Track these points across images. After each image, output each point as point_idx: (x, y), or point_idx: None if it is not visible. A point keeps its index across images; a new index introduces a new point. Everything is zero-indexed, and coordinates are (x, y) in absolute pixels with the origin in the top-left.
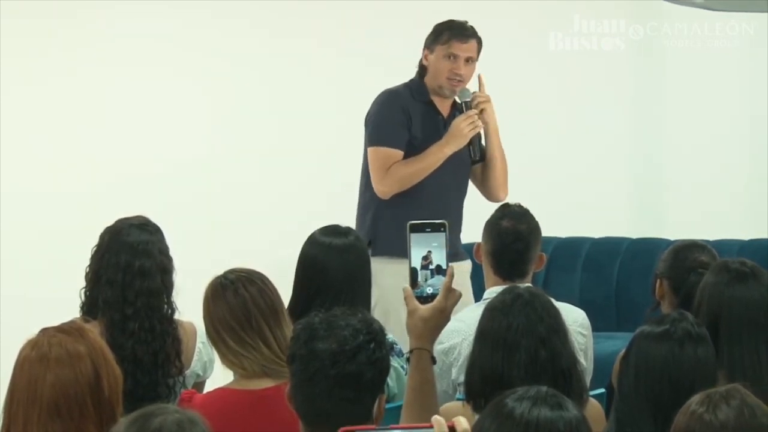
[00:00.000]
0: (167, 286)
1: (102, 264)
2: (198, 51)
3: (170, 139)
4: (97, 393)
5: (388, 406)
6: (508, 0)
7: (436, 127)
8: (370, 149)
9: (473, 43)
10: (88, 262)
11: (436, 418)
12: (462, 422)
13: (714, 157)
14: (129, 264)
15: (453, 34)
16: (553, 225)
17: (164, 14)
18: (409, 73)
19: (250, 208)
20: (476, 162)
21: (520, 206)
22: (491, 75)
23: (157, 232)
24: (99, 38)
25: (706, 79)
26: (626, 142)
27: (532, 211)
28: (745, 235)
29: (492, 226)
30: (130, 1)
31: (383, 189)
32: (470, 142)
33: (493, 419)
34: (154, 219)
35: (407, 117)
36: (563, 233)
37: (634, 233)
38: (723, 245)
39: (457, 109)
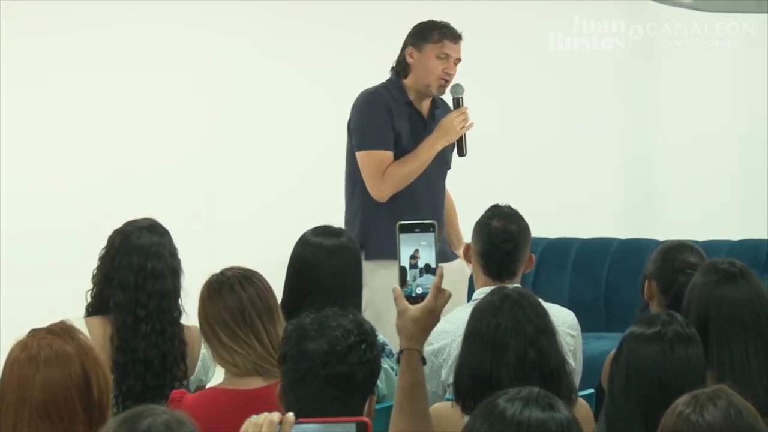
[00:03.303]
0: (177, 288)
1: (113, 266)
2: (197, 51)
3: (169, 139)
4: (86, 395)
5: (378, 406)
6: (508, 0)
7: (417, 127)
8: (360, 154)
9: (460, 44)
10: (88, 262)
11: None
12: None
13: (705, 157)
14: (141, 266)
15: (444, 35)
16: (543, 226)
17: (164, 15)
18: None
19: (249, 207)
20: (461, 156)
21: (509, 207)
22: (492, 75)
23: (165, 234)
24: (98, 38)
25: (703, 79)
26: (618, 142)
27: (522, 212)
28: (735, 235)
29: (482, 227)
30: (129, 2)
31: (382, 193)
32: (459, 138)
33: (484, 419)
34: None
35: (390, 116)
36: (553, 234)
37: (624, 234)
38: (712, 246)
39: (436, 107)
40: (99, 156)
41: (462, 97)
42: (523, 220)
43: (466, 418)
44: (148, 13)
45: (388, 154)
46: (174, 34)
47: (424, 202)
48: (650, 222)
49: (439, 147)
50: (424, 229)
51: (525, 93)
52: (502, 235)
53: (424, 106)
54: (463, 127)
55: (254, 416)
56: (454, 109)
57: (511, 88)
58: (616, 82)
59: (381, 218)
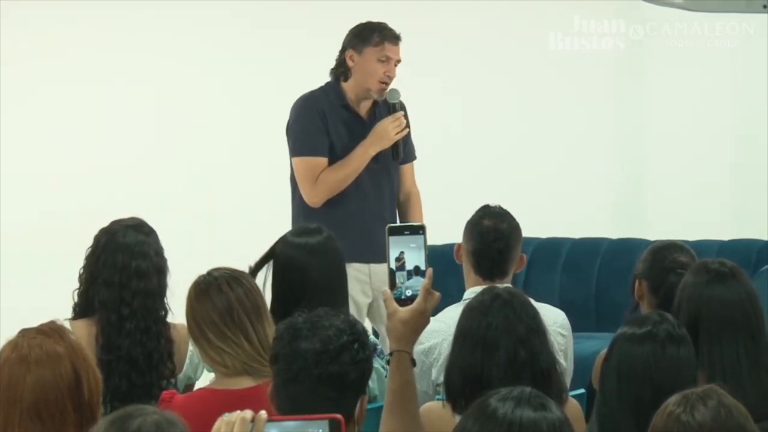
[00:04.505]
0: (162, 287)
1: (98, 265)
2: (195, 49)
3: (165, 138)
4: (77, 395)
5: (369, 406)
6: (508, 0)
7: (356, 130)
8: (295, 159)
9: (399, 45)
10: (75, 262)
11: None
12: None
13: (698, 157)
14: (125, 265)
15: (385, 36)
16: (534, 226)
17: (158, 14)
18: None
19: (242, 208)
20: (395, 161)
21: (500, 207)
22: (491, 74)
23: (151, 233)
24: (98, 37)
25: (703, 79)
26: (615, 142)
27: (513, 212)
28: (725, 235)
29: (473, 226)
30: (129, 2)
31: (314, 198)
32: (395, 143)
33: (476, 419)
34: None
35: (324, 121)
36: (543, 234)
37: (614, 234)
38: (703, 246)
39: (377, 108)
40: (90, 155)
41: (397, 103)
42: (514, 219)
43: (457, 418)
44: (135, 15)
45: (322, 160)
46: (171, 32)
47: (364, 201)
48: (641, 222)
49: (372, 152)
50: (413, 231)
51: (525, 93)
52: (493, 235)
53: (363, 108)
54: (398, 133)
55: (226, 414)
56: (390, 114)
57: (510, 88)
58: (615, 82)
59: (324, 221)
